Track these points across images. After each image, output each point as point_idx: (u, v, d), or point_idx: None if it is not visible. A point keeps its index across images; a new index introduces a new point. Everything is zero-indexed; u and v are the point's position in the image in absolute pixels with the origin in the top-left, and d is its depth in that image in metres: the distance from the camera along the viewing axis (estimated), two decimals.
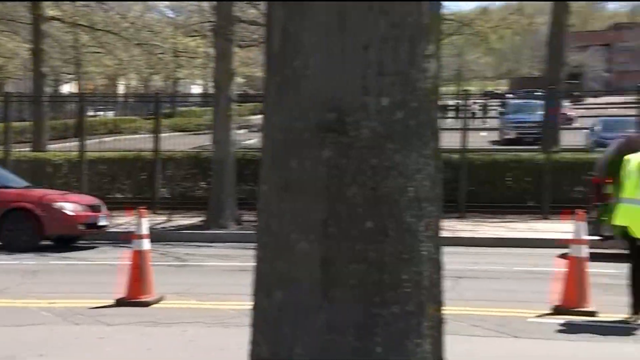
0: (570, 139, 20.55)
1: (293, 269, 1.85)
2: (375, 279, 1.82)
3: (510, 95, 49.06)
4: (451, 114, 29.39)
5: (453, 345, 6.63)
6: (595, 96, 44.63)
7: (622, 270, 8.58)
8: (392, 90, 1.81)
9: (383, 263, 1.82)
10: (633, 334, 6.91)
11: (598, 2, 47.89)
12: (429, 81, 1.86)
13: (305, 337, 1.82)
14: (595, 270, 9.20)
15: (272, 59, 1.91)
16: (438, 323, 1.93)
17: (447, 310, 6.47)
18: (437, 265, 1.94)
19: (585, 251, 7.74)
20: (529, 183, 15.72)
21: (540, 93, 21.39)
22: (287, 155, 1.87)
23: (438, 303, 1.95)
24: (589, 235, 11.69)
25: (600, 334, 6.87)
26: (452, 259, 11.71)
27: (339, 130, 1.80)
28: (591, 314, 7.50)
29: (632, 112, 16.58)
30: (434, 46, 1.85)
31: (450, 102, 30.39)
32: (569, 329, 7.08)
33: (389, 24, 1.78)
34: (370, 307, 1.80)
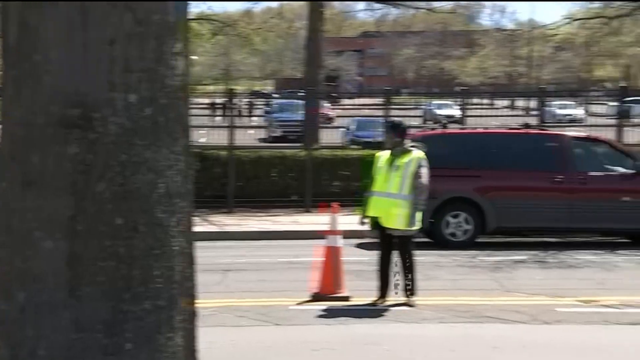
0: (329, 137, 21.56)
1: (37, 268, 1.75)
2: (125, 275, 1.77)
3: (276, 95, 50.42)
4: (219, 112, 29.56)
5: (219, 337, 6.73)
6: (350, 98, 47.29)
7: (373, 257, 9.21)
8: (140, 87, 1.78)
9: (133, 259, 1.79)
10: (381, 316, 7.43)
11: (349, 11, 51.15)
12: (178, 78, 1.85)
13: (50, 337, 1.73)
14: (350, 258, 9.78)
15: (9, 52, 1.79)
16: (191, 316, 1.94)
17: (215, 303, 6.50)
18: (189, 260, 1.94)
19: (339, 241, 8.17)
20: (292, 178, 16.22)
21: (301, 93, 22.22)
22: (28, 151, 1.76)
23: (191, 296, 1.95)
24: None
25: (354, 317, 7.31)
26: (220, 253, 11.84)
27: (84, 126, 1.73)
28: (345, 299, 7.94)
29: (381, 112, 17.79)
30: (181, 44, 1.84)
31: (218, 101, 30.54)
32: (326, 314, 7.44)
33: (134, 20, 1.75)
34: (120, 303, 1.76)
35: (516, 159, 11.92)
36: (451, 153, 12.04)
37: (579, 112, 36.56)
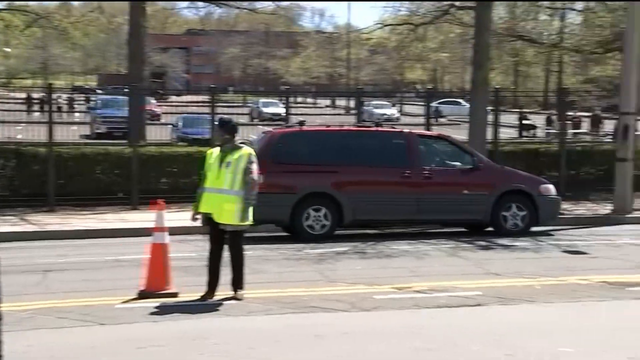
0: (157, 133, 21.03)
1: None
2: None
3: (100, 91, 48.43)
4: (37, 107, 27.83)
5: (38, 339, 6.35)
6: (177, 95, 46.42)
7: (202, 253, 9.10)
8: None
9: None
10: (210, 310, 7.34)
11: (172, 8, 50.21)
12: None
13: None
14: (179, 254, 9.61)
15: None
16: None
17: (34, 305, 6.10)
18: None
19: (167, 238, 7.99)
20: (118, 175, 15.72)
21: (126, 90, 21.45)
22: None
23: None
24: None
25: (182, 313, 7.18)
26: (40, 253, 11.18)
27: None
28: (174, 295, 7.78)
29: (207, 110, 17.64)
30: None
31: (35, 95, 28.72)
32: (153, 311, 7.23)
33: None
34: None
35: (369, 156, 12.38)
36: (309, 150, 12.34)
37: (393, 111, 38.48)
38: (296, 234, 11.97)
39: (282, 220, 12.09)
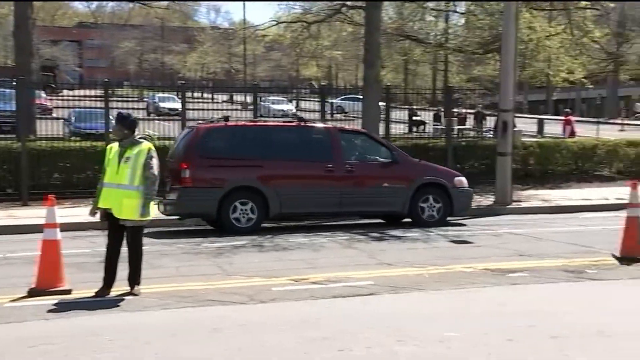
0: (49, 128, 20.12)
1: None
2: None
3: None
4: None
5: None
6: (70, 89, 44.61)
7: (97, 249, 8.81)
8: None
9: None
10: (104, 307, 7.09)
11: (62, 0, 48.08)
12: None
13: None
14: (73, 251, 9.26)
15: None
16: None
17: None
18: None
19: (58, 234, 7.66)
20: (6, 171, 15.07)
21: (14, 83, 20.40)
22: None
23: None
24: (169, 215, 12.04)
25: (75, 310, 6.90)
26: None
27: None
28: (67, 292, 7.49)
29: (101, 104, 17.10)
30: None
31: None
32: (45, 309, 6.92)
33: None
34: None
35: (293, 150, 12.44)
36: (235, 145, 12.27)
37: (290, 107, 38.60)
38: (222, 227, 11.90)
39: (208, 213, 12.02)
